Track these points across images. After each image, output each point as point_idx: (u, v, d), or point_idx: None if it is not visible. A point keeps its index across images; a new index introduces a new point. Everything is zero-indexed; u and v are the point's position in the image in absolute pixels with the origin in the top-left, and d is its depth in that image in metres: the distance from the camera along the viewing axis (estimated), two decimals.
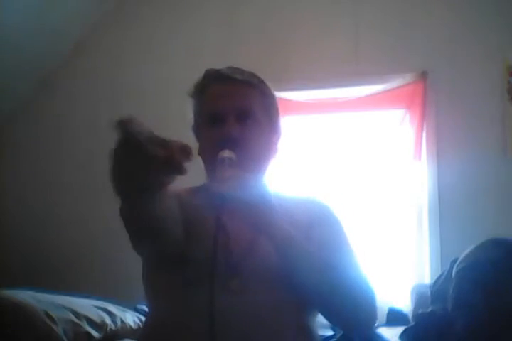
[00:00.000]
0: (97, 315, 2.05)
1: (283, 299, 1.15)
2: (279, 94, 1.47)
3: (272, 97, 1.37)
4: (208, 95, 1.34)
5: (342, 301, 1.14)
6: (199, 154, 1.33)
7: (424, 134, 2.98)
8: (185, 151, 0.88)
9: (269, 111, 1.35)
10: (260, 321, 1.12)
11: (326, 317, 1.21)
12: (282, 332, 1.14)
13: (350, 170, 3.11)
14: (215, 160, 1.18)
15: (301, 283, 1.14)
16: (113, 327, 2.09)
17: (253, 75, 1.35)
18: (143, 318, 2.26)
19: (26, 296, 1.91)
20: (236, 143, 1.22)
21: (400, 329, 2.09)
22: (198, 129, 1.37)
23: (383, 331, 2.15)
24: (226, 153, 1.18)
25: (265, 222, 1.12)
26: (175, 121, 3.61)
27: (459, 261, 2.03)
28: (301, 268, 1.14)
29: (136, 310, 2.42)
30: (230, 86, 1.31)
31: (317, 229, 1.26)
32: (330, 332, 2.16)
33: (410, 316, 2.43)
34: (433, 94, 2.99)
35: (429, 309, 2.05)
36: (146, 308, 2.35)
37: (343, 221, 1.33)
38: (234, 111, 1.28)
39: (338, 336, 2.08)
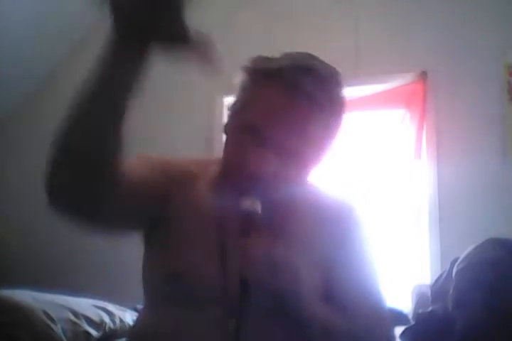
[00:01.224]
0: (96, 315, 2.05)
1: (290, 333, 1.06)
2: None
3: (336, 119, 1.11)
4: (261, 93, 1.05)
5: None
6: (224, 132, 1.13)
7: (424, 134, 2.98)
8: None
9: (323, 140, 1.09)
10: None
11: None
12: None
13: (350, 170, 3.11)
14: (235, 175, 1.05)
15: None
16: (112, 326, 2.09)
17: (330, 84, 1.07)
18: None
19: (25, 296, 1.91)
20: (263, 185, 1.03)
21: (400, 329, 2.09)
22: (232, 117, 1.12)
23: None
24: (249, 203, 1.02)
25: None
26: (176, 120, 3.61)
27: (459, 260, 2.03)
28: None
29: (136, 310, 2.41)
30: (293, 101, 1.01)
31: (343, 247, 1.15)
32: None
33: (410, 316, 2.43)
34: (433, 94, 2.99)
35: (429, 309, 2.05)
36: None
37: (369, 229, 1.23)
38: (280, 140, 1.02)
39: None
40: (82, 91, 0.88)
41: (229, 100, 3.33)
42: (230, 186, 1.07)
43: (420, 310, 2.13)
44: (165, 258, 1.10)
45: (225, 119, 3.69)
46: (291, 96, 1.01)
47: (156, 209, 1.11)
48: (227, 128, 1.12)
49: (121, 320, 2.17)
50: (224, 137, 1.13)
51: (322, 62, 1.09)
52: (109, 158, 0.90)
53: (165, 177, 1.11)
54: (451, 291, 1.94)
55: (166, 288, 1.08)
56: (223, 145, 1.12)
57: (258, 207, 1.02)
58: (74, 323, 1.92)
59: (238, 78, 1.10)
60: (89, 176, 0.90)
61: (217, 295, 1.04)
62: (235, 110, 1.10)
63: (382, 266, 1.23)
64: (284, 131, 1.02)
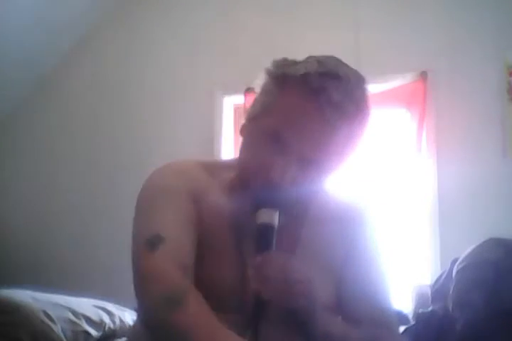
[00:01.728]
0: (95, 314, 2.05)
1: None
2: None
3: (361, 127, 1.08)
4: (284, 98, 1.01)
5: None
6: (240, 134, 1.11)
7: (424, 134, 2.98)
8: None
9: (346, 148, 1.06)
10: None
11: None
12: None
13: (349, 170, 3.11)
14: (253, 183, 1.02)
15: None
16: (112, 326, 2.09)
17: (356, 91, 1.03)
18: None
19: (25, 296, 1.91)
20: (282, 194, 1.00)
21: (400, 330, 2.09)
22: (252, 120, 1.07)
23: None
24: (266, 216, 1.01)
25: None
26: (175, 119, 3.61)
27: (459, 260, 2.03)
28: None
29: (136, 310, 2.41)
30: (318, 109, 0.97)
31: (353, 248, 1.16)
32: None
33: (410, 316, 2.43)
34: (433, 94, 2.99)
35: (430, 309, 2.05)
36: None
37: (379, 229, 1.24)
38: (302, 148, 1.00)
39: None
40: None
41: (229, 100, 3.33)
42: (247, 195, 1.04)
43: (420, 310, 2.13)
44: None
45: (224, 119, 3.67)
46: (316, 103, 0.98)
47: None
48: (246, 131, 1.08)
49: (121, 320, 2.16)
50: (240, 139, 1.10)
51: (348, 67, 1.06)
52: None
53: (196, 213, 1.08)
54: (451, 291, 1.94)
55: None
56: (240, 149, 1.08)
57: (275, 220, 1.00)
58: (74, 323, 1.92)
59: (260, 80, 1.07)
60: None
61: (234, 306, 1.04)
62: (255, 113, 1.06)
63: (390, 266, 1.24)
64: (307, 139, 0.99)
